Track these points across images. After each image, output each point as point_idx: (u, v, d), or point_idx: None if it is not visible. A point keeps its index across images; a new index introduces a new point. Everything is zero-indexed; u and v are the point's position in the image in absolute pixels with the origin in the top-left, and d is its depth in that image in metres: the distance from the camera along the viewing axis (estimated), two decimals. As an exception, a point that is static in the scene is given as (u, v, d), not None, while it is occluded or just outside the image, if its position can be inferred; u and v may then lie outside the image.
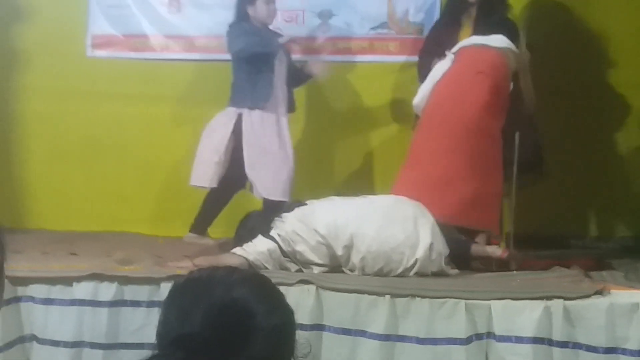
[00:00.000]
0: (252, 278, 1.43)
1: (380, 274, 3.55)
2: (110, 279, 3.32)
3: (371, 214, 3.66)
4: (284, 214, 3.70)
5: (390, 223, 3.60)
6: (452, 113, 4.08)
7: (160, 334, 1.39)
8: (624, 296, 3.23)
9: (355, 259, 3.57)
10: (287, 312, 1.40)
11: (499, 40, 4.21)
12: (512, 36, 4.26)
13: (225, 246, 4.17)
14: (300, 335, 1.41)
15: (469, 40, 4.30)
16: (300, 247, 3.59)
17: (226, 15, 4.67)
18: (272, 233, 3.63)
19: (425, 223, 3.64)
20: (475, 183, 3.97)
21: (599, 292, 3.22)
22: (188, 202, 5.10)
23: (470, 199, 3.93)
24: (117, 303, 3.30)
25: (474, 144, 4.03)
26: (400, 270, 3.55)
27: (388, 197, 3.90)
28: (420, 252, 3.55)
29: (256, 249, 3.58)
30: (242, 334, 1.32)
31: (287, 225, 3.64)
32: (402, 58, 5.17)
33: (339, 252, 3.58)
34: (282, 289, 1.43)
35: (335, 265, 3.62)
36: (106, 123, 5.28)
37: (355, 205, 3.74)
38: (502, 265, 3.87)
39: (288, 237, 3.60)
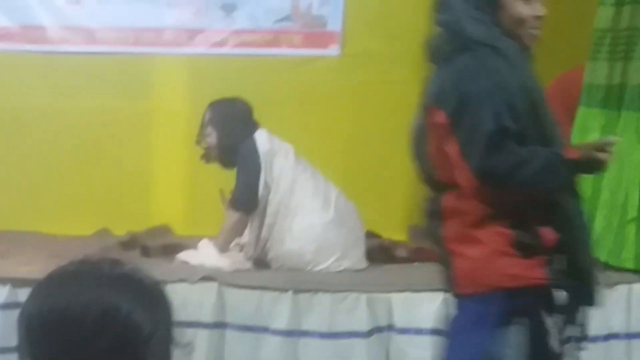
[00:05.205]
0: (122, 276, 1.14)
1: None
2: (3, 281, 3.21)
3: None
4: None
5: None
6: None
7: None
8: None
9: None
10: (168, 305, 1.18)
11: None
12: None
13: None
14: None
15: None
16: None
17: (128, 7, 4.55)
18: None
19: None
20: None
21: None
22: (92, 198, 4.99)
23: None
24: (10, 306, 3.19)
25: None
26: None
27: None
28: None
29: None
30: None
31: None
32: (306, 52, 5.18)
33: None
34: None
35: None
36: (3, 117, 5.10)
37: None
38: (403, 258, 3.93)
39: None
